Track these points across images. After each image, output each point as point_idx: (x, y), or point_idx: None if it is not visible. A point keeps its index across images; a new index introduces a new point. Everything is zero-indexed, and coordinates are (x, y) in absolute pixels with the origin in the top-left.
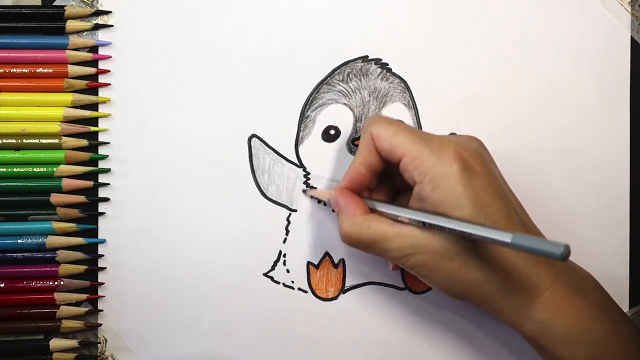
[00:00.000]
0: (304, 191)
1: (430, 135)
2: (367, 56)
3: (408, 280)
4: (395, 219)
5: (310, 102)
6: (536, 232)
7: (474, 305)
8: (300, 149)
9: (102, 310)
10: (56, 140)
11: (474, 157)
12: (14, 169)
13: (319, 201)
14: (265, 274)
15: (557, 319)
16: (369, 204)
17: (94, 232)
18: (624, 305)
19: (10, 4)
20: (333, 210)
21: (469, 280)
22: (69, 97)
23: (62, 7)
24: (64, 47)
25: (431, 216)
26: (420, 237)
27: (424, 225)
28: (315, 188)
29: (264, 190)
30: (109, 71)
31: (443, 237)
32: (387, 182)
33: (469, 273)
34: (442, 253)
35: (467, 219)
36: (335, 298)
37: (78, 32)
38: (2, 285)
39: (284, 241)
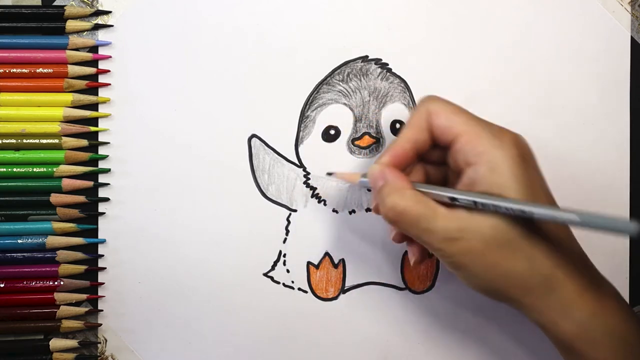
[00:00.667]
0: (329, 174)
1: (487, 121)
2: (367, 56)
3: (408, 280)
4: (440, 201)
5: (310, 102)
6: None
7: (506, 302)
8: (300, 149)
9: (102, 310)
10: (56, 140)
11: (528, 150)
12: (14, 169)
13: (319, 201)
14: (265, 274)
15: (597, 320)
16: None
17: (94, 232)
18: None
19: (10, 4)
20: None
21: (515, 271)
22: (69, 97)
23: (62, 7)
24: (64, 47)
25: (486, 196)
26: (469, 220)
27: (475, 206)
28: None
29: (264, 190)
30: (109, 71)
31: (494, 221)
32: (420, 168)
33: (516, 264)
34: (491, 240)
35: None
36: (335, 298)
37: (78, 32)
38: (2, 285)
39: (284, 241)
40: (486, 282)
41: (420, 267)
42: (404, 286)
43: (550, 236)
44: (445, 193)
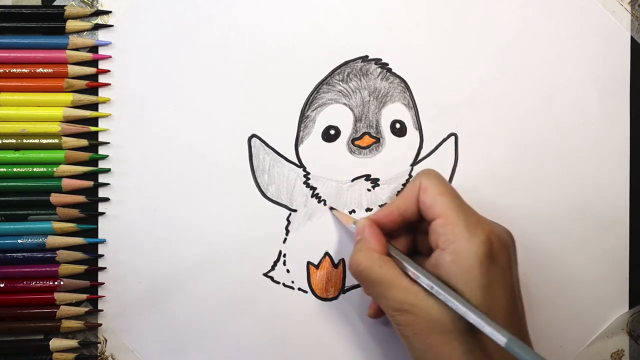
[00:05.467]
0: (331, 209)
1: (471, 210)
2: (367, 56)
3: None
4: (406, 272)
5: (310, 102)
6: (528, 342)
7: None
8: (300, 149)
9: (102, 310)
10: (56, 140)
11: (501, 248)
12: (14, 169)
13: (319, 201)
14: (265, 274)
15: None
16: (390, 249)
17: (94, 232)
18: (624, 306)
19: (10, 4)
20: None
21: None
22: (69, 97)
23: (62, 7)
24: (64, 47)
25: (442, 285)
26: (422, 298)
27: (429, 290)
28: (338, 211)
29: (264, 190)
30: (109, 71)
31: (444, 309)
32: (409, 237)
33: (452, 354)
34: (436, 323)
35: (474, 303)
36: (335, 298)
37: (78, 32)
38: (2, 285)
39: (284, 241)
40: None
41: None
42: None
43: (490, 343)
44: (411, 269)
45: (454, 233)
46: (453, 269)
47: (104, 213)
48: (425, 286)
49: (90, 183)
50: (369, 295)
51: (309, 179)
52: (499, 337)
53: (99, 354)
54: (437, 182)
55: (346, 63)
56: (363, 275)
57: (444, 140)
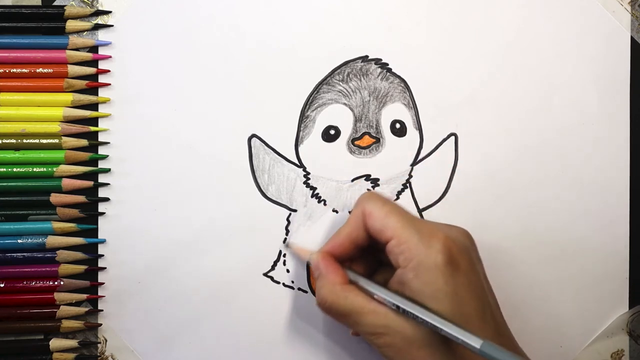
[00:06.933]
0: (287, 245)
1: (422, 221)
2: (367, 56)
3: None
4: (372, 296)
5: (310, 102)
6: (508, 335)
7: None
8: (300, 149)
9: (102, 310)
10: (56, 140)
11: (460, 252)
12: (14, 169)
13: (319, 201)
14: (265, 274)
15: None
16: (349, 275)
17: (94, 232)
18: (624, 306)
19: (10, 4)
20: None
21: None
22: (69, 97)
23: (62, 7)
24: (64, 47)
25: (408, 303)
26: (393, 319)
27: (398, 309)
28: (296, 244)
29: (264, 190)
30: (109, 71)
31: (416, 325)
32: (370, 254)
33: None
34: (412, 340)
35: (443, 313)
36: None
37: (78, 32)
38: (2, 285)
39: (284, 241)
40: None
41: None
42: None
43: (467, 351)
44: (375, 292)
45: (410, 250)
46: (417, 284)
47: (104, 213)
48: (392, 307)
49: (90, 183)
50: (346, 326)
51: (309, 179)
52: (472, 345)
53: (99, 354)
54: (380, 205)
55: (346, 63)
56: (332, 311)
57: (444, 140)
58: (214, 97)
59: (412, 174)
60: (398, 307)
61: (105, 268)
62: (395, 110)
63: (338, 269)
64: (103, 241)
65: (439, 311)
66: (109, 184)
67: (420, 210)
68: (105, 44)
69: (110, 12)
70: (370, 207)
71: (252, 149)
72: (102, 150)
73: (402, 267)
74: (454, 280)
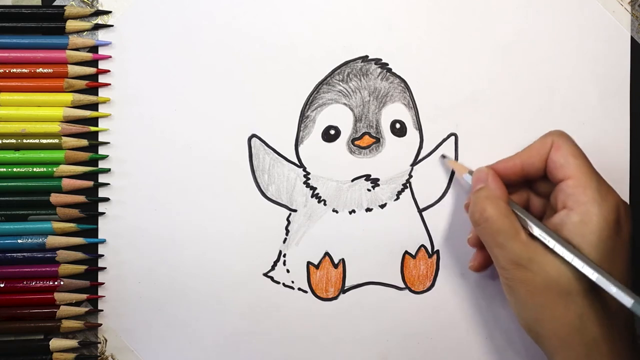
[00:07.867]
0: (443, 156)
1: (603, 178)
2: (367, 56)
3: (408, 280)
4: (525, 228)
5: (310, 102)
6: None
7: (540, 345)
8: (300, 149)
9: (102, 310)
10: (56, 140)
11: (626, 219)
12: (14, 169)
13: (319, 201)
14: (265, 274)
15: None
16: (509, 201)
17: (94, 232)
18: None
19: (10, 4)
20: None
21: (562, 322)
22: (69, 97)
23: (62, 7)
24: (64, 47)
25: (565, 244)
26: (542, 256)
27: (552, 247)
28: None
29: (264, 190)
30: (109, 71)
31: (563, 268)
32: (523, 192)
33: (567, 315)
34: (553, 283)
35: (598, 264)
36: (335, 298)
37: (78, 32)
38: (2, 285)
39: (284, 241)
40: (531, 320)
41: (420, 267)
42: (403, 286)
43: (608, 302)
44: (533, 225)
45: (586, 195)
46: (581, 230)
47: (104, 213)
48: (548, 243)
49: (90, 183)
50: (484, 243)
51: (309, 179)
52: (626, 298)
53: (99, 354)
54: (570, 143)
55: (346, 63)
56: (486, 223)
57: (444, 140)
58: (214, 97)
59: (412, 174)
60: (554, 245)
61: (105, 268)
62: (395, 110)
63: (504, 188)
64: (103, 241)
65: (595, 261)
66: (109, 184)
67: (420, 210)
68: (105, 44)
69: (110, 12)
70: (561, 142)
71: (252, 149)
72: (102, 150)
73: (569, 208)
74: (616, 239)
